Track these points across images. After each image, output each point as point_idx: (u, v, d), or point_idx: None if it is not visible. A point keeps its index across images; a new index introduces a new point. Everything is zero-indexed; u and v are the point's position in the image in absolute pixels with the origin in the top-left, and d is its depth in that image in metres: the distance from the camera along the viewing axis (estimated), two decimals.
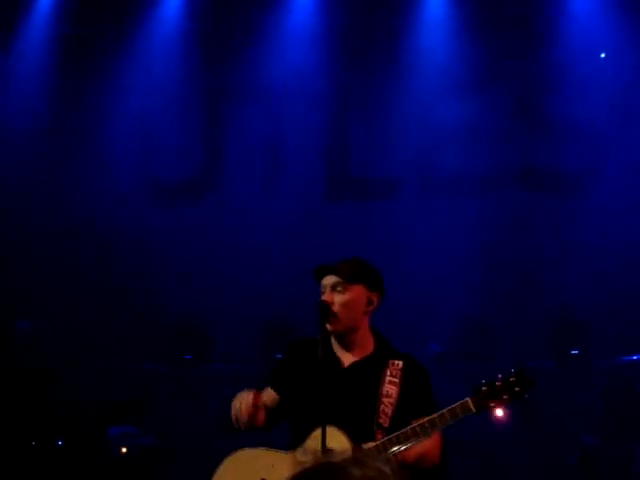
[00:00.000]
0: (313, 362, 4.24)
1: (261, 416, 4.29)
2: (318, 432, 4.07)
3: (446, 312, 9.43)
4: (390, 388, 4.19)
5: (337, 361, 4.28)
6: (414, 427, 4.05)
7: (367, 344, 4.30)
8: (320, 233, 9.78)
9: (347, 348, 4.29)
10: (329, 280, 4.29)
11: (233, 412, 4.23)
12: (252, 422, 4.25)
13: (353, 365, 4.24)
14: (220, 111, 10.57)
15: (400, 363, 4.25)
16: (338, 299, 4.23)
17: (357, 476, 1.83)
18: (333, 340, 4.33)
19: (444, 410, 4.01)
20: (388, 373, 4.21)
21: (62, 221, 10.00)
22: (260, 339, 9.76)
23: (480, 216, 9.77)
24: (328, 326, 4.22)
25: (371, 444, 4.08)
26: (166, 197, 10.55)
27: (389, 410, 4.15)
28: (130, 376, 9.46)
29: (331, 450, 3.93)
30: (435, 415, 4.02)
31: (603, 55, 9.77)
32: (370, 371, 4.23)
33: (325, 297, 4.25)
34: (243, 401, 4.22)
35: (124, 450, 8.43)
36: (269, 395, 4.37)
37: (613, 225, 9.44)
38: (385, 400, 4.18)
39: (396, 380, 4.20)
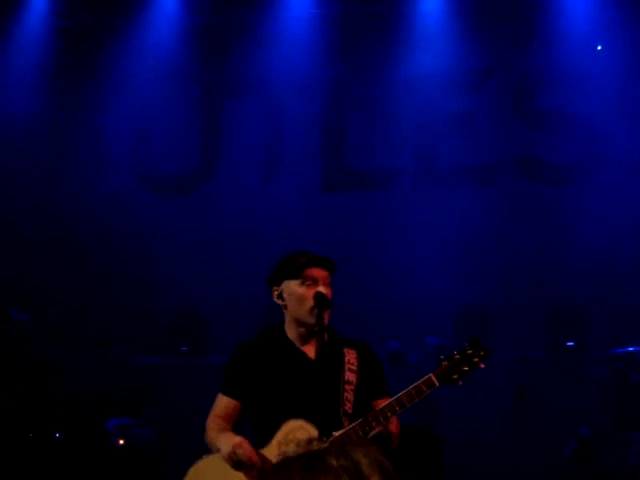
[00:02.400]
0: (269, 360, 4.28)
1: None
2: (287, 426, 4.12)
3: (443, 303, 9.44)
4: (350, 375, 4.27)
5: (302, 354, 4.31)
6: (382, 409, 4.11)
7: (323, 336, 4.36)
8: (318, 224, 9.79)
9: (307, 340, 4.31)
10: (323, 273, 4.30)
11: (243, 457, 4.17)
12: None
13: (318, 356, 4.25)
14: (217, 104, 10.58)
15: (354, 352, 4.33)
16: (330, 292, 4.27)
17: (334, 466, 1.85)
18: (293, 335, 4.34)
19: (409, 388, 4.09)
20: (346, 361, 4.28)
21: (60, 214, 10.01)
22: (258, 331, 9.76)
23: (477, 207, 9.78)
24: (324, 318, 4.24)
25: (340, 432, 4.11)
26: (164, 190, 10.55)
27: (351, 397, 4.23)
28: (128, 368, 9.48)
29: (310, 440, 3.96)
30: (401, 394, 4.09)
31: (600, 47, 9.78)
32: (331, 360, 4.27)
33: (324, 289, 4.26)
34: (249, 453, 4.17)
35: (122, 442, 8.44)
36: (229, 404, 4.36)
37: (611, 216, 9.45)
38: (347, 387, 4.24)
39: (354, 367, 4.31)
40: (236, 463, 4.16)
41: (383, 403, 4.19)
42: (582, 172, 9.85)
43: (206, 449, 4.45)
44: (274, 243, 9.72)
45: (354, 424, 4.14)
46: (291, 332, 4.34)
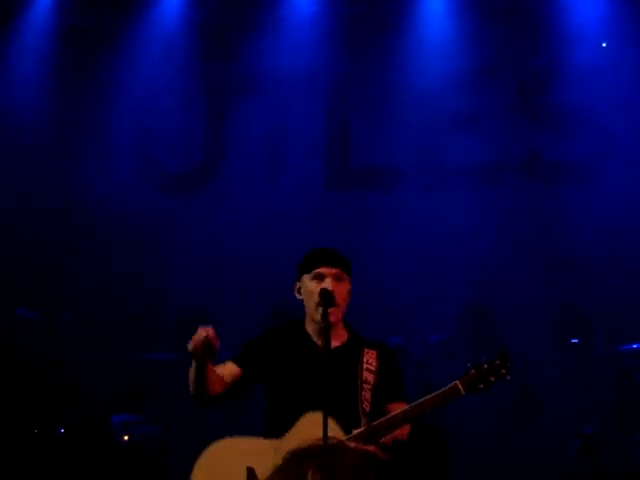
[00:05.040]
0: (294, 351, 4.31)
1: (218, 378, 4.22)
2: (305, 419, 4.11)
3: (447, 301, 9.45)
4: (368, 375, 4.31)
5: (317, 349, 4.33)
6: (405, 411, 4.12)
7: (343, 333, 4.39)
8: (322, 223, 9.80)
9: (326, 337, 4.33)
10: (331, 270, 4.34)
11: (190, 345, 4.10)
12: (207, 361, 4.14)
13: (335, 350, 4.28)
14: (221, 101, 10.58)
15: (374, 352, 4.38)
16: (339, 288, 4.31)
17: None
18: (310, 329, 4.37)
19: (434, 394, 4.11)
20: (365, 361, 4.32)
21: (65, 213, 10.02)
22: (263, 328, 9.76)
23: (482, 206, 9.78)
24: (330, 315, 4.26)
25: (361, 429, 4.12)
26: (168, 188, 10.56)
27: (369, 395, 4.26)
28: (134, 366, 9.49)
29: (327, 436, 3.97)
30: (425, 399, 4.11)
31: (605, 44, 9.76)
32: (348, 358, 4.31)
33: (330, 286, 4.29)
34: (200, 332, 4.10)
35: (126, 438, 8.45)
36: (231, 367, 4.37)
37: (618, 214, 9.44)
38: (365, 386, 4.27)
39: (372, 368, 4.34)
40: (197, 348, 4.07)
41: (398, 407, 4.22)
42: (589, 171, 9.83)
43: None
44: (279, 242, 9.75)
45: (375, 423, 4.15)
46: (309, 327, 4.42)
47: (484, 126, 10.04)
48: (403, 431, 4.15)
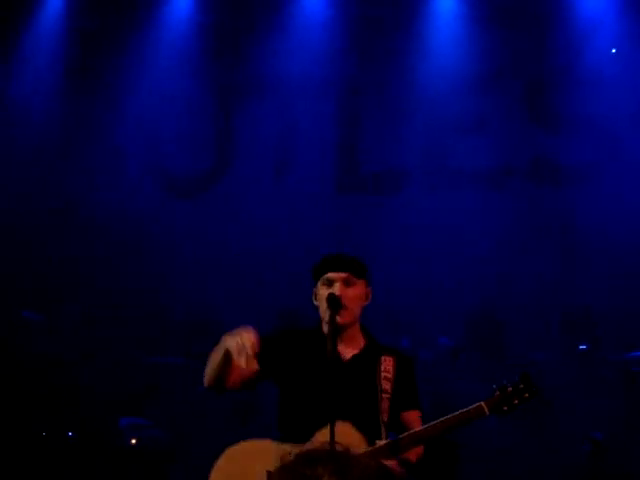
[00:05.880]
0: (311, 354, 4.29)
1: (253, 366, 4.18)
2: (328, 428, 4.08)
3: (456, 306, 9.43)
4: (385, 384, 4.30)
5: (337, 355, 4.32)
6: (427, 428, 4.11)
7: (359, 339, 4.41)
8: (331, 225, 9.80)
9: (342, 342, 4.33)
10: (340, 274, 4.34)
11: (233, 346, 4.04)
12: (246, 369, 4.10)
13: (353, 358, 4.27)
14: (231, 103, 10.59)
15: (392, 359, 4.37)
16: (349, 293, 4.31)
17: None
18: (325, 333, 4.36)
19: (459, 412, 4.11)
20: (382, 369, 4.31)
21: (74, 214, 10.03)
22: (269, 331, 9.76)
23: (489, 209, 9.77)
24: (338, 319, 4.25)
25: (383, 442, 4.11)
26: (177, 190, 10.57)
27: (387, 405, 4.25)
28: (141, 368, 9.49)
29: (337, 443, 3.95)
30: (450, 417, 4.10)
31: (614, 50, 9.75)
32: (366, 365, 4.30)
33: (337, 290, 4.30)
34: (246, 337, 4.06)
35: (134, 441, 8.45)
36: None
37: (624, 218, 9.42)
38: (384, 396, 4.27)
39: (389, 376, 4.34)
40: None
41: (412, 415, 4.23)
42: (595, 174, 9.83)
43: (218, 449, 4.44)
44: (287, 244, 9.75)
45: (399, 437, 4.14)
46: (325, 332, 4.40)
47: (490, 129, 10.04)
48: (416, 452, 4.16)
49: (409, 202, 10.11)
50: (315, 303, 4.45)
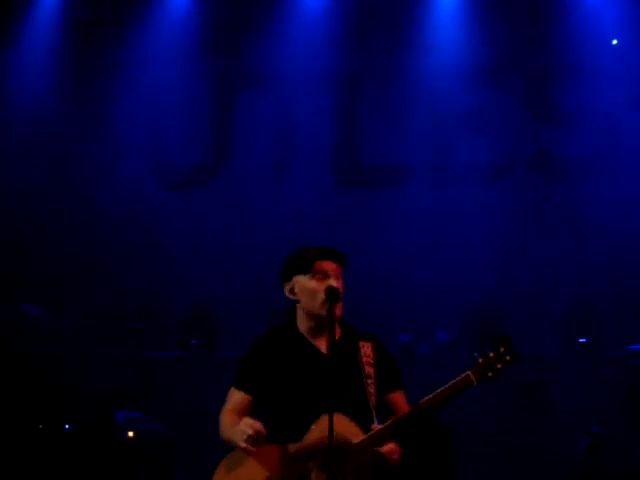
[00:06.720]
0: (282, 355, 4.27)
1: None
2: (322, 421, 4.06)
3: (457, 299, 9.43)
4: (368, 368, 4.28)
5: (315, 348, 4.31)
6: (420, 404, 4.10)
7: (337, 329, 4.36)
8: (330, 219, 9.79)
9: (320, 335, 4.30)
10: (333, 266, 4.31)
11: (240, 436, 4.08)
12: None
13: (331, 350, 4.23)
14: (230, 96, 10.57)
15: (370, 344, 4.34)
16: (342, 286, 4.28)
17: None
18: (305, 329, 4.33)
19: (447, 385, 4.09)
20: (362, 354, 4.30)
21: (73, 208, 10.03)
22: (270, 325, 9.75)
23: (491, 203, 9.77)
24: (336, 312, 4.23)
25: (381, 426, 4.10)
26: (177, 182, 10.56)
27: (373, 389, 4.24)
28: (139, 362, 9.48)
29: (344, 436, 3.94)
30: (439, 391, 4.09)
31: (615, 42, 9.74)
32: (346, 353, 4.28)
33: (335, 283, 4.27)
34: (253, 428, 4.07)
35: (131, 434, 8.45)
36: (242, 399, 4.33)
37: (626, 212, 9.42)
38: (369, 381, 4.25)
39: (370, 360, 4.30)
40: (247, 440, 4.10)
41: (397, 396, 4.21)
42: (597, 168, 9.82)
43: (215, 442, 4.42)
44: (286, 237, 9.72)
45: (394, 420, 4.13)
46: (303, 327, 4.34)
47: (493, 124, 10.03)
48: (393, 456, 4.15)
49: (409, 196, 10.11)
50: (292, 297, 4.39)
